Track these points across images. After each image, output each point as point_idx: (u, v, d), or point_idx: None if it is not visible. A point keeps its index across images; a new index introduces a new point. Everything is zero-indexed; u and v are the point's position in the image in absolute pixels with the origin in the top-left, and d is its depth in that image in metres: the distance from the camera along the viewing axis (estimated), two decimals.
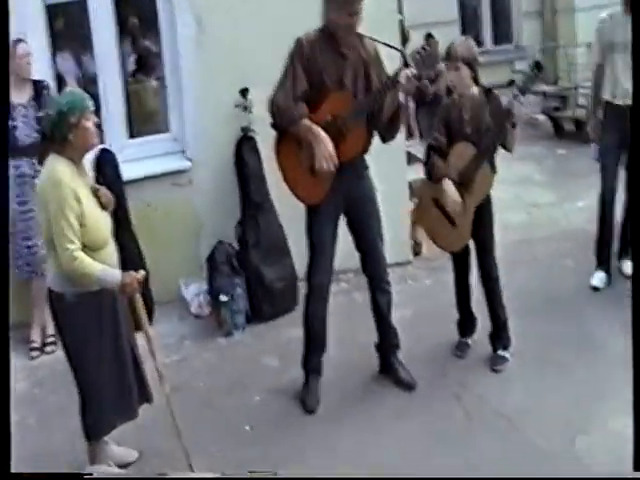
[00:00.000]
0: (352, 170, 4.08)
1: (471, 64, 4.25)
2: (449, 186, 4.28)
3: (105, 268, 3.27)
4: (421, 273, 6.00)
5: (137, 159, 5.43)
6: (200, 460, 3.65)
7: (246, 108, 5.37)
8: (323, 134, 3.87)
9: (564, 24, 11.05)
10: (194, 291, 5.38)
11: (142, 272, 3.38)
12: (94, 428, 3.49)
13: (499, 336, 4.60)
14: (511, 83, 4.23)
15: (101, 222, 3.37)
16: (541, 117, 10.57)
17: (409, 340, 4.58)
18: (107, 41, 5.34)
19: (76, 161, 3.34)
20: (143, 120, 5.90)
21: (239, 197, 5.45)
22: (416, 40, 9.86)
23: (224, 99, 5.39)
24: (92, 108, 3.33)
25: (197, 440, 3.75)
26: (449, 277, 4.78)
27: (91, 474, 3.36)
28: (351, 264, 5.16)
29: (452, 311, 4.77)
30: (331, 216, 4.14)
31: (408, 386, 4.36)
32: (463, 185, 4.29)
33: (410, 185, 6.24)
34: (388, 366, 4.48)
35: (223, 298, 5.08)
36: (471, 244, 4.54)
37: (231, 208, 5.45)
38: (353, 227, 4.27)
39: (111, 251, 3.45)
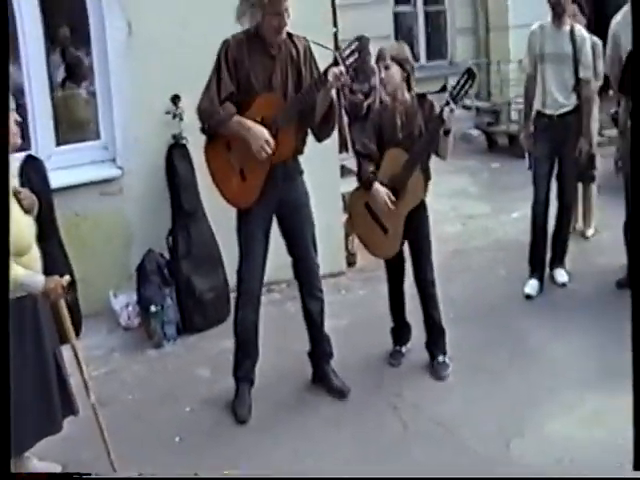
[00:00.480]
0: (285, 172, 4.09)
1: (402, 64, 4.30)
2: (379, 188, 4.29)
3: (28, 272, 3.19)
4: (355, 284, 6.03)
5: (65, 167, 5.32)
6: (128, 473, 3.58)
7: (176, 115, 5.32)
8: (255, 124, 3.88)
9: (497, 41, 11.29)
10: (123, 302, 5.29)
11: (67, 277, 3.32)
12: (15, 442, 3.37)
13: (436, 343, 4.63)
14: (443, 89, 4.25)
15: (23, 226, 3.26)
16: (475, 132, 10.74)
17: (343, 349, 4.58)
18: (35, 50, 5.22)
19: None
20: (72, 128, 5.77)
21: (170, 206, 5.39)
22: None
23: (155, 106, 5.34)
24: (13, 106, 3.25)
25: (125, 453, 3.67)
26: (383, 287, 4.81)
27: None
28: (284, 275, 5.20)
29: (386, 320, 4.79)
30: (262, 220, 4.13)
31: (341, 394, 4.35)
32: (395, 191, 4.31)
33: (343, 197, 6.25)
34: (321, 375, 4.46)
35: (153, 309, 5.01)
36: (406, 251, 4.57)
37: (162, 217, 5.38)
38: (286, 232, 4.26)
39: (35, 257, 3.36)
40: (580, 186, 6.54)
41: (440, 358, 4.59)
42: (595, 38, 6.00)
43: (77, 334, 4.02)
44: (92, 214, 5.37)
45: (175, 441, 4.02)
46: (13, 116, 3.25)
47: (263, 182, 3.99)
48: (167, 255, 5.34)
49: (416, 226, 4.41)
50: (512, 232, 6.86)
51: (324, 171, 5.53)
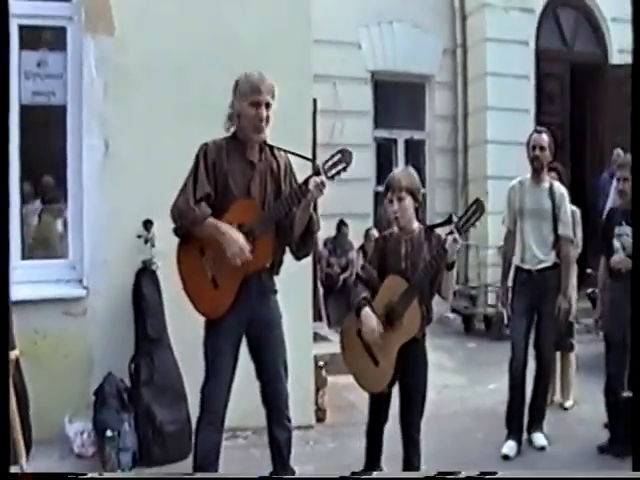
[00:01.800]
0: (259, 287, 4.13)
1: (414, 194, 4.36)
2: (369, 314, 4.27)
3: None
4: (324, 438, 5.99)
5: (29, 282, 5.42)
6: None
7: (148, 240, 5.51)
8: (230, 228, 3.96)
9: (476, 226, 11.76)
10: (78, 428, 5.24)
11: (16, 352, 3.33)
12: None
13: None
14: (450, 219, 4.39)
15: None
16: (451, 315, 10.99)
17: None
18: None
19: None
20: (40, 244, 5.92)
21: (135, 331, 5.47)
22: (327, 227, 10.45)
23: (127, 229, 5.53)
24: None
25: None
26: (353, 443, 4.86)
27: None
28: (250, 422, 5.22)
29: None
30: (232, 335, 4.12)
31: None
32: (390, 321, 4.28)
33: (315, 359, 6.35)
34: None
35: (109, 433, 4.98)
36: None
37: (126, 343, 5.45)
38: (256, 353, 4.23)
39: None
40: (558, 356, 6.69)
41: None
42: (574, 207, 6.32)
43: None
44: (53, 333, 5.43)
45: None
46: None
47: (236, 293, 4.03)
48: (128, 382, 5.34)
49: (411, 365, 4.34)
50: (489, 402, 6.91)
51: (297, 317, 5.53)
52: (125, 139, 5.61)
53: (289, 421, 4.31)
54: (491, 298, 10.71)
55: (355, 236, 11.06)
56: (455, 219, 4.25)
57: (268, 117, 4.05)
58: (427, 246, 4.31)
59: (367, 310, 4.29)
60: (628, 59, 11.35)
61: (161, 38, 5.66)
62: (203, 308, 4.09)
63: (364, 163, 11.75)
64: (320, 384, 6.36)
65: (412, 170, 4.53)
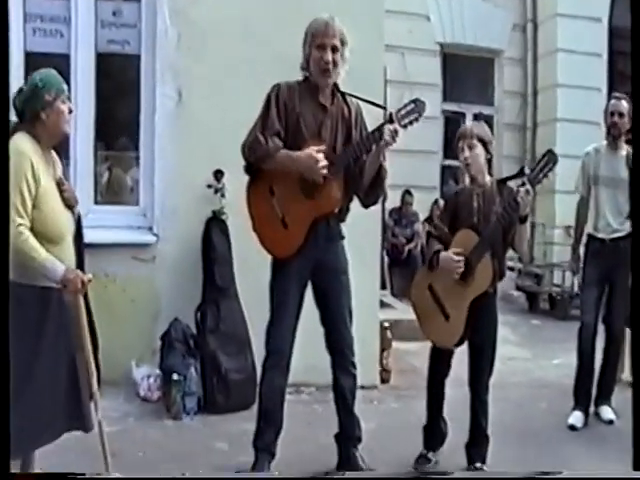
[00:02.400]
0: (327, 232, 4.11)
1: (486, 145, 4.31)
2: (446, 256, 4.21)
3: (50, 258, 3.24)
4: (388, 398, 5.98)
5: (101, 226, 5.49)
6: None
7: (218, 190, 5.54)
8: (303, 152, 3.93)
9: (544, 205, 11.62)
10: (145, 372, 5.33)
11: (89, 275, 3.37)
12: (42, 430, 3.33)
13: (478, 448, 4.43)
14: (521, 172, 4.32)
15: (58, 215, 3.35)
16: (516, 293, 10.89)
17: (370, 453, 4.41)
18: (84, 103, 5.55)
19: (45, 145, 3.38)
20: (111, 189, 6.02)
21: (202, 280, 5.52)
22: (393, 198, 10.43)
23: (197, 179, 5.59)
24: (67, 94, 3.43)
25: None
26: (417, 404, 4.76)
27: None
28: (314, 379, 5.24)
29: (418, 431, 4.64)
30: (299, 277, 4.10)
31: None
32: (462, 275, 4.22)
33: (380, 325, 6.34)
34: (347, 459, 4.28)
35: (175, 377, 5.04)
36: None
37: (193, 291, 5.50)
38: (321, 298, 4.21)
39: (67, 252, 3.42)
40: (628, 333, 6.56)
41: (478, 464, 4.39)
42: None
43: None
44: (122, 278, 5.51)
45: None
46: (68, 104, 3.42)
47: (305, 235, 4.01)
48: (194, 330, 5.40)
49: (482, 320, 4.28)
50: (553, 375, 6.82)
51: (364, 279, 5.41)
52: (198, 90, 5.66)
53: (354, 367, 4.29)
54: (557, 277, 10.56)
55: (420, 208, 10.97)
56: (527, 171, 4.20)
57: (335, 61, 4.00)
58: (499, 200, 4.25)
59: (444, 253, 4.24)
60: None
61: None
62: (272, 248, 4.08)
63: (432, 136, 11.71)
64: (385, 345, 6.34)
65: (484, 124, 4.52)
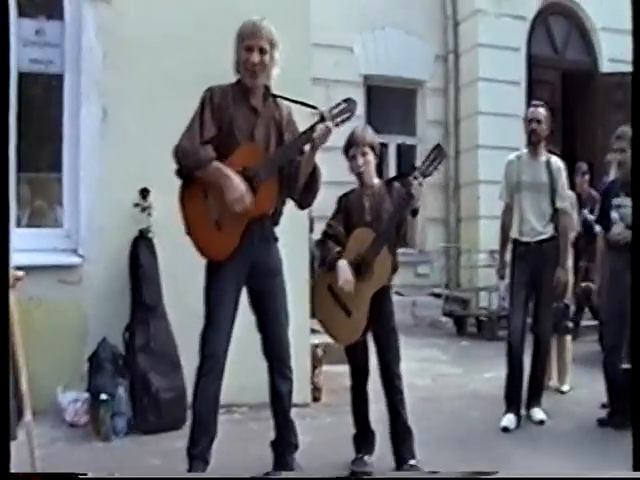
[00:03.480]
0: (261, 233, 4.13)
1: (375, 150, 4.51)
2: (343, 266, 4.34)
3: None
4: (321, 414, 5.97)
5: (24, 250, 5.35)
6: None
7: (145, 209, 5.50)
8: (233, 174, 3.94)
9: (468, 231, 11.84)
10: (71, 397, 5.19)
11: (21, 272, 3.33)
12: None
13: (404, 444, 4.48)
14: (412, 169, 4.45)
15: None
16: (444, 319, 11.00)
17: (306, 464, 4.39)
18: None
19: None
20: (34, 212, 5.90)
21: (130, 299, 5.45)
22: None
23: (123, 198, 5.53)
24: None
25: None
26: (350, 419, 4.76)
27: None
28: (246, 398, 5.20)
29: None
30: (234, 280, 4.09)
31: None
32: (360, 272, 4.35)
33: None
34: (283, 465, 4.26)
35: (103, 396, 4.95)
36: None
37: (121, 312, 5.42)
38: (257, 300, 4.21)
39: None
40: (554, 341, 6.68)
41: (411, 462, 4.44)
42: (570, 192, 6.36)
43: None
44: (47, 301, 5.38)
45: None
46: None
47: (240, 235, 4.01)
48: (123, 351, 5.30)
49: (381, 314, 4.43)
50: (485, 387, 6.90)
51: (294, 301, 4.94)
52: (123, 107, 5.62)
53: (290, 372, 4.29)
54: (483, 301, 10.74)
55: None
56: (418, 164, 4.40)
57: (263, 62, 4.05)
58: (389, 199, 4.44)
59: (342, 262, 4.37)
60: (618, 67, 11.59)
61: (160, 7, 5.72)
62: (207, 250, 4.05)
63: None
64: (316, 363, 6.33)
65: (370, 128, 4.67)
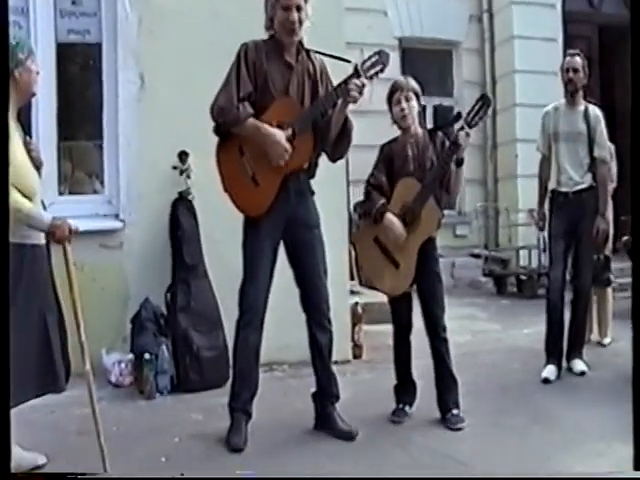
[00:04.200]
0: (297, 187, 4.17)
1: (419, 97, 4.50)
2: (392, 219, 4.36)
3: (35, 207, 3.29)
4: (361, 370, 6.00)
5: (66, 216, 5.42)
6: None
7: (183, 172, 5.54)
8: (272, 129, 4.00)
9: (506, 190, 11.75)
10: (115, 358, 5.28)
11: (76, 225, 3.39)
12: (14, 391, 3.30)
13: (449, 393, 4.51)
14: (457, 117, 4.43)
15: (29, 172, 3.41)
16: (483, 279, 10.96)
17: (347, 416, 4.43)
18: (45, 94, 5.49)
19: (15, 104, 3.42)
20: (76, 179, 5.98)
21: (171, 260, 5.52)
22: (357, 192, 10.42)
23: (162, 162, 5.59)
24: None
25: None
26: (392, 373, 4.78)
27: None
28: (286, 357, 5.23)
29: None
30: (272, 234, 4.13)
31: (348, 436, 4.22)
32: (407, 222, 4.37)
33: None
34: (325, 417, 4.31)
35: (147, 356, 5.03)
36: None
37: (162, 274, 5.49)
38: (294, 253, 4.24)
39: (40, 208, 3.50)
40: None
41: (454, 411, 4.47)
42: (609, 143, 6.27)
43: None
44: (89, 266, 5.43)
45: (161, 461, 3.92)
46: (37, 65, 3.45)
47: (277, 190, 4.07)
48: (165, 311, 5.38)
49: (426, 265, 4.44)
50: (525, 342, 6.90)
51: (332, 258, 5.13)
52: (160, 73, 5.67)
53: (330, 323, 4.32)
54: (523, 260, 10.69)
55: None
56: (463, 116, 4.39)
57: (300, 19, 4.08)
58: (432, 147, 4.43)
59: (390, 216, 4.38)
60: None
61: None
62: (244, 206, 4.11)
63: (393, 129, 11.74)
64: (356, 321, 6.35)
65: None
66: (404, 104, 4.43)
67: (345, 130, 4.21)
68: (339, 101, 4.09)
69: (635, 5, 3.69)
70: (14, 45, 3.38)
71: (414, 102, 4.45)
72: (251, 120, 4.01)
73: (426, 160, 4.40)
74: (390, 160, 4.51)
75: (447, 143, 4.38)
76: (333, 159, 4.34)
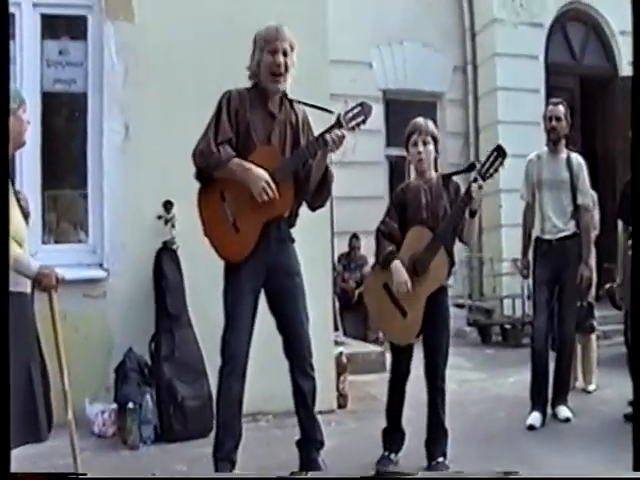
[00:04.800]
0: (278, 235, 4.18)
1: (436, 143, 4.47)
2: (399, 267, 4.33)
3: (24, 254, 3.31)
4: (346, 420, 5.97)
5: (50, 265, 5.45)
6: None
7: (168, 221, 5.59)
8: (254, 166, 4.02)
9: (490, 240, 11.81)
10: (99, 409, 5.27)
11: (62, 274, 3.41)
12: None
13: (437, 442, 4.50)
14: (472, 167, 4.46)
15: (18, 219, 3.44)
16: (468, 329, 10.98)
17: (332, 463, 4.41)
18: (30, 142, 5.51)
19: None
20: (60, 228, 6.01)
21: (155, 310, 5.53)
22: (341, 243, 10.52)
23: (147, 211, 5.65)
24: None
25: None
26: (377, 423, 4.79)
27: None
28: (270, 407, 5.22)
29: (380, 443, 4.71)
30: (252, 281, 4.13)
31: None
32: (416, 272, 4.35)
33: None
34: (309, 463, 4.28)
35: (130, 405, 5.01)
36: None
37: (146, 323, 5.51)
38: (276, 301, 4.24)
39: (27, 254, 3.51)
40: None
41: (440, 459, 4.46)
42: (592, 191, 6.35)
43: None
44: (72, 315, 5.39)
45: None
46: (27, 116, 3.50)
47: (257, 237, 4.08)
48: (149, 361, 5.38)
49: (435, 314, 4.42)
50: (510, 391, 6.92)
51: (317, 310, 5.11)
52: (145, 123, 5.73)
53: (312, 369, 4.31)
54: (507, 309, 10.76)
55: (369, 252, 11.05)
56: (478, 166, 4.37)
57: (287, 64, 4.14)
58: (446, 195, 4.41)
59: (397, 263, 4.35)
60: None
61: (180, 25, 5.83)
62: (224, 252, 4.12)
63: (377, 181, 11.91)
64: (341, 370, 6.34)
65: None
66: (421, 147, 4.42)
67: (325, 180, 4.25)
68: (320, 151, 4.13)
69: (635, 5, 3.78)
70: None
71: (431, 147, 4.44)
72: (235, 160, 4.04)
73: (439, 208, 4.39)
74: (403, 206, 4.49)
75: (461, 191, 4.37)
76: (313, 208, 4.36)
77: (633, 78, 3.79)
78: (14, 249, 3.29)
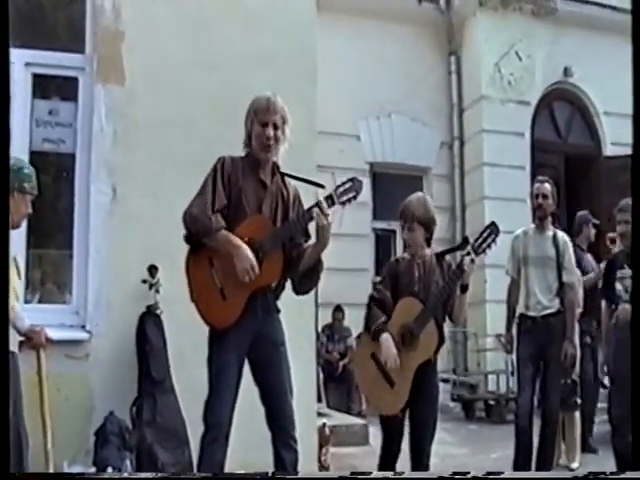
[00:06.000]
0: (264, 305, 4.18)
1: (426, 225, 4.50)
2: (388, 341, 4.36)
3: (18, 309, 3.33)
4: None
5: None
6: None
7: (152, 286, 5.59)
8: (243, 244, 4.03)
9: (474, 315, 11.82)
10: (78, 471, 5.16)
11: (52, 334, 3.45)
12: None
13: None
14: (465, 242, 4.53)
15: (15, 275, 3.47)
16: (452, 404, 10.97)
17: None
18: None
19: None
20: (43, 294, 6.01)
21: (137, 374, 5.51)
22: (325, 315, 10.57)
23: (132, 275, 5.64)
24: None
25: None
26: None
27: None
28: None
29: None
30: (237, 349, 4.12)
31: None
32: (405, 342, 4.39)
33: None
34: None
35: (110, 470, 4.95)
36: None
37: (128, 387, 5.48)
38: (260, 371, 4.22)
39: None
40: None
41: None
42: (577, 270, 6.44)
43: None
44: (54, 376, 5.34)
45: None
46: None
47: (244, 305, 4.08)
48: (130, 425, 5.33)
49: (424, 391, 4.43)
50: (493, 467, 6.77)
51: (301, 375, 5.18)
52: (132, 185, 5.78)
53: (295, 442, 4.25)
54: (491, 385, 10.77)
55: (352, 324, 11.08)
56: (471, 241, 4.45)
57: (277, 137, 4.19)
58: (439, 271, 4.46)
59: (387, 337, 4.38)
60: (621, 151, 11.78)
61: (170, 90, 5.92)
62: (210, 318, 4.11)
63: (362, 253, 12.06)
64: (323, 442, 6.32)
65: (427, 198, 4.69)
66: (406, 235, 4.54)
67: (315, 268, 4.25)
68: (314, 242, 4.18)
69: (635, 5, 3.84)
70: (15, 170, 3.50)
71: (417, 232, 4.47)
72: (223, 232, 4.06)
73: (431, 283, 4.43)
74: (396, 277, 4.53)
75: (453, 267, 4.42)
76: (298, 292, 4.35)
77: (633, 78, 3.82)
78: (12, 301, 3.32)
